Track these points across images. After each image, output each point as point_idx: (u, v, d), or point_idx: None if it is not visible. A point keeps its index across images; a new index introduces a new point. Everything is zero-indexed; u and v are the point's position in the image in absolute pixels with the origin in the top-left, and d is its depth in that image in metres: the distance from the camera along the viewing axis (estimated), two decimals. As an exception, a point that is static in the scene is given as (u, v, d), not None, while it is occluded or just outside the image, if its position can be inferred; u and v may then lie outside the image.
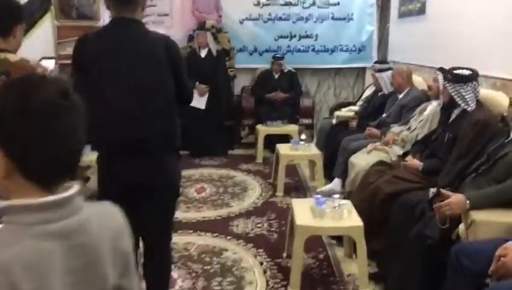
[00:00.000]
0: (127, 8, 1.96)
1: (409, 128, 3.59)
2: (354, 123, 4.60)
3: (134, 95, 1.90)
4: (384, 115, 4.18)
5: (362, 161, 3.51)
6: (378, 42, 6.41)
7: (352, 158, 3.68)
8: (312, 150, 4.31)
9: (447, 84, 2.88)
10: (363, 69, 6.57)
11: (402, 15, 5.15)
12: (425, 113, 3.51)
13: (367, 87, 5.47)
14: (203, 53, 5.66)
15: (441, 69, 3.38)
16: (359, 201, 3.13)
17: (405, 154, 3.28)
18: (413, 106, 3.86)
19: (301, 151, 4.29)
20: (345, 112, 5.09)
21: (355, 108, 5.15)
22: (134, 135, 1.92)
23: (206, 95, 5.60)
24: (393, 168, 3.19)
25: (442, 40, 4.17)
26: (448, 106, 2.97)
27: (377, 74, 4.54)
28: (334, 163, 4.32)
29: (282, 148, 4.36)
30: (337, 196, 2.87)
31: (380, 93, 4.60)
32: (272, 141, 5.44)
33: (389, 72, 4.48)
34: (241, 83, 6.51)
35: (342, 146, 4.20)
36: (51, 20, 6.26)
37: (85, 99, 0.93)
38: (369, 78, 6.36)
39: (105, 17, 6.41)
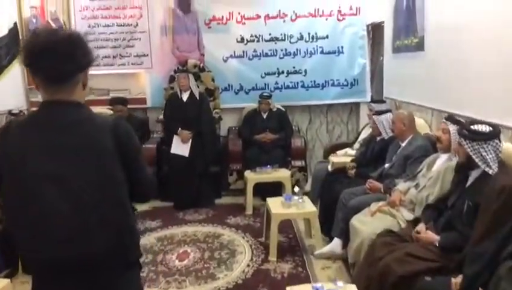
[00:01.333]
0: (62, 88, 1.52)
1: (416, 185, 3.15)
2: (352, 172, 4.16)
3: (70, 203, 1.44)
4: (386, 165, 3.74)
5: (366, 226, 3.05)
6: (372, 76, 6.04)
7: (355, 221, 3.22)
8: (307, 207, 3.85)
9: (464, 142, 2.45)
10: (357, 104, 6.18)
11: (397, 50, 4.78)
12: (434, 169, 3.08)
13: (363, 128, 5.05)
14: (185, 96, 5.23)
15: (451, 119, 2.97)
16: (365, 279, 2.67)
17: (415, 221, 2.83)
18: (419, 156, 3.44)
19: (295, 208, 3.82)
20: (341, 157, 4.66)
21: (352, 152, 4.72)
22: (71, 252, 1.45)
23: (190, 142, 5.15)
24: (403, 239, 2.73)
25: (443, 79, 3.79)
26: (466, 166, 2.53)
27: (375, 117, 4.12)
28: (331, 216, 3.88)
29: (274, 206, 3.89)
30: (341, 284, 2.39)
31: (378, 138, 4.17)
32: (262, 188, 4.98)
33: (388, 115, 4.08)
34: (228, 123, 6.09)
35: (341, 201, 3.75)
36: (19, 65, 5.83)
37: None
38: (363, 114, 6.00)
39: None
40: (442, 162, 3.05)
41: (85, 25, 5.79)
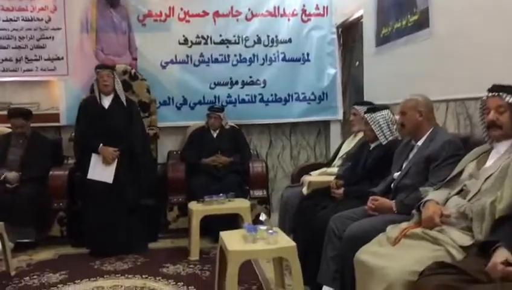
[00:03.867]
0: None
1: (461, 193, 1.98)
2: (339, 191, 2.97)
3: None
4: (395, 175, 2.57)
5: (392, 262, 1.81)
6: (344, 88, 5.02)
7: (365, 256, 1.98)
8: (281, 241, 2.57)
9: None
10: (326, 123, 5.10)
11: (384, 40, 3.76)
12: (490, 164, 1.94)
13: (343, 143, 3.92)
14: (107, 101, 3.89)
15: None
16: None
17: (484, 246, 1.63)
18: (448, 156, 2.31)
19: (263, 243, 2.53)
20: (320, 177, 3.47)
21: (332, 169, 3.55)
22: None
23: (115, 163, 3.78)
24: (472, 279, 1.51)
25: (458, 57, 2.77)
26: None
27: (368, 116, 3.01)
28: (313, 255, 2.66)
29: (232, 241, 2.59)
30: None
31: (373, 145, 3.04)
32: (212, 225, 3.67)
33: (386, 113, 2.99)
34: (167, 146, 4.80)
35: (331, 231, 2.54)
36: None
37: None
38: (335, 135, 4.91)
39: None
40: (502, 154, 1.92)
41: (-22, 19, 4.46)
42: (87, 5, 4.58)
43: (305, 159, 5.16)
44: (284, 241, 2.59)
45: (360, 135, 3.45)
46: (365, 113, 3.07)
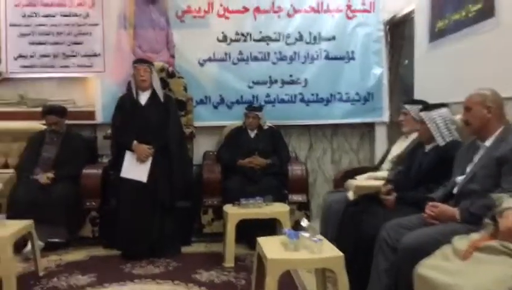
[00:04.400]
0: None
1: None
2: (391, 198, 2.68)
3: None
4: (458, 178, 2.27)
5: (463, 278, 1.53)
6: (390, 88, 4.71)
7: (429, 271, 1.71)
8: (327, 250, 2.31)
9: None
10: (371, 126, 4.79)
11: (439, 34, 3.45)
12: None
13: (392, 144, 3.62)
14: (144, 98, 3.75)
15: None
16: None
17: None
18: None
19: (306, 252, 2.28)
20: (367, 181, 3.19)
21: (381, 173, 3.26)
22: None
23: (149, 162, 3.63)
24: None
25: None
26: None
27: (424, 114, 2.71)
28: (362, 267, 2.38)
29: (271, 249, 2.35)
30: None
31: (429, 147, 2.74)
32: (248, 230, 3.45)
33: (444, 111, 2.68)
34: (203, 147, 4.61)
35: (383, 240, 2.27)
36: None
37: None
38: (380, 137, 4.61)
39: (8, 58, 4.56)
40: None
41: (18, 15, 4.42)
42: (126, 1, 4.46)
43: (347, 163, 4.87)
44: (330, 251, 2.33)
45: (413, 136, 3.15)
46: (421, 111, 2.77)
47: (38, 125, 4.24)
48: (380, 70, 4.65)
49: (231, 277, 3.10)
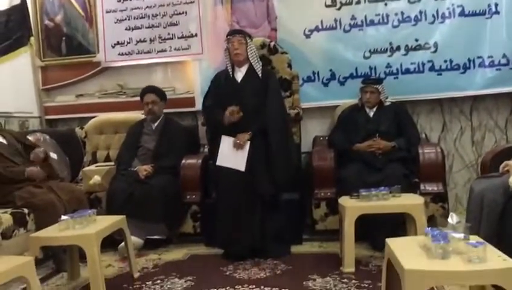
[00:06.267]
0: None
1: None
2: None
3: None
4: None
5: None
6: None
7: None
8: (493, 259, 1.58)
9: None
10: (524, 95, 3.80)
11: None
12: None
13: None
14: (240, 74, 3.27)
15: None
16: None
17: None
18: None
19: (461, 260, 1.58)
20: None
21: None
22: None
23: (247, 148, 3.13)
24: None
25: None
26: None
27: None
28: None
29: (405, 254, 1.68)
30: None
31: None
32: (370, 227, 2.81)
33: None
34: (312, 131, 4.02)
35: None
36: (30, 59, 4.38)
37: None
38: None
39: (106, 47, 4.41)
40: None
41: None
42: (220, -29, 4.05)
43: (492, 145, 3.92)
44: (498, 260, 1.59)
45: None
46: None
47: (138, 115, 4.00)
48: (534, 24, 3.65)
49: (352, 286, 2.47)
